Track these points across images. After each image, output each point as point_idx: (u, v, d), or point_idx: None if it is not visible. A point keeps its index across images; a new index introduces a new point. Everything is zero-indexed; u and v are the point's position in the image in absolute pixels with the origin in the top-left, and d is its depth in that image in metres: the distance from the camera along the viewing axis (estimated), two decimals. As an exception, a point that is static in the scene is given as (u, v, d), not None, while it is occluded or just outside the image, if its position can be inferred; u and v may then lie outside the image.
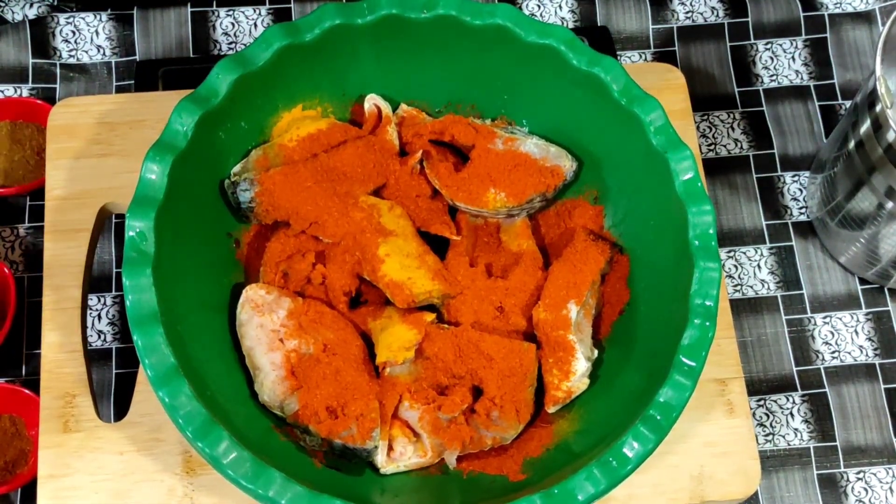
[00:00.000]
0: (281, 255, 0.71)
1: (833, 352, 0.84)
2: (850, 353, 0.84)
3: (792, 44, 0.94)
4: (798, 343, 0.84)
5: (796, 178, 0.89)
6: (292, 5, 0.94)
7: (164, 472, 0.68)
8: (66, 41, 0.91)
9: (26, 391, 0.78)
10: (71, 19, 0.92)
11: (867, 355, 0.84)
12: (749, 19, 0.94)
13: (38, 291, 0.83)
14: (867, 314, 0.85)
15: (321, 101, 0.74)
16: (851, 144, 0.76)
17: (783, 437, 0.81)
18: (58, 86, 0.90)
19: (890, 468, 0.80)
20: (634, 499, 0.68)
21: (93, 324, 0.83)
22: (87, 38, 0.92)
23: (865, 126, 0.73)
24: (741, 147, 0.90)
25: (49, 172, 0.75)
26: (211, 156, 0.70)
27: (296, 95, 0.73)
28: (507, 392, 0.67)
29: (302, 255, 0.70)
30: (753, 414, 0.81)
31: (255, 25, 0.93)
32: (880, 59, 0.69)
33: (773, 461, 0.81)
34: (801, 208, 0.88)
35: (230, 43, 0.92)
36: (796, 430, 0.82)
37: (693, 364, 0.61)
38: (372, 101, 0.74)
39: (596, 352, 0.70)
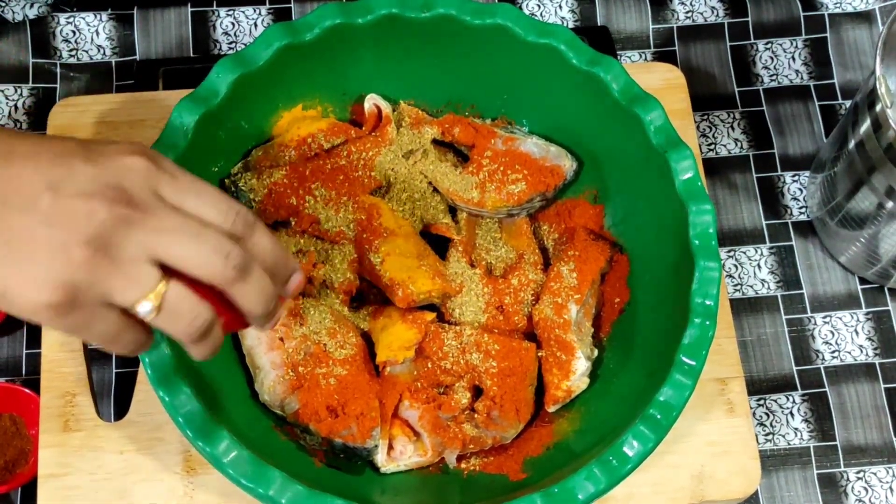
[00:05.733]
0: (281, 254, 0.71)
1: (833, 351, 0.84)
2: (850, 352, 0.84)
3: (792, 44, 0.94)
4: (798, 342, 0.84)
5: (796, 178, 0.89)
6: (292, 5, 0.94)
7: (164, 471, 0.68)
8: (67, 41, 0.91)
9: (26, 390, 0.78)
10: (71, 19, 0.92)
11: (867, 355, 0.84)
12: (749, 19, 0.94)
13: (38, 291, 0.83)
14: (867, 314, 0.85)
15: (321, 101, 0.74)
16: (851, 144, 0.76)
17: (783, 436, 0.81)
18: (58, 85, 0.90)
19: (890, 468, 0.80)
20: (634, 498, 0.68)
21: (93, 323, 0.83)
22: (87, 37, 0.92)
23: (865, 126, 0.73)
24: (741, 147, 0.90)
25: (49, 172, 0.75)
26: (211, 155, 0.70)
27: (296, 95, 0.73)
28: (508, 391, 0.67)
29: (302, 254, 0.70)
30: (753, 413, 0.81)
31: (256, 25, 0.93)
32: (880, 58, 0.69)
33: (773, 461, 0.81)
34: (801, 208, 0.88)
35: (230, 43, 0.92)
36: (796, 429, 0.82)
37: (693, 363, 0.61)
38: (372, 101, 0.74)
39: (596, 351, 0.70)
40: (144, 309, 0.46)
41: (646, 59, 0.93)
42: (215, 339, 0.50)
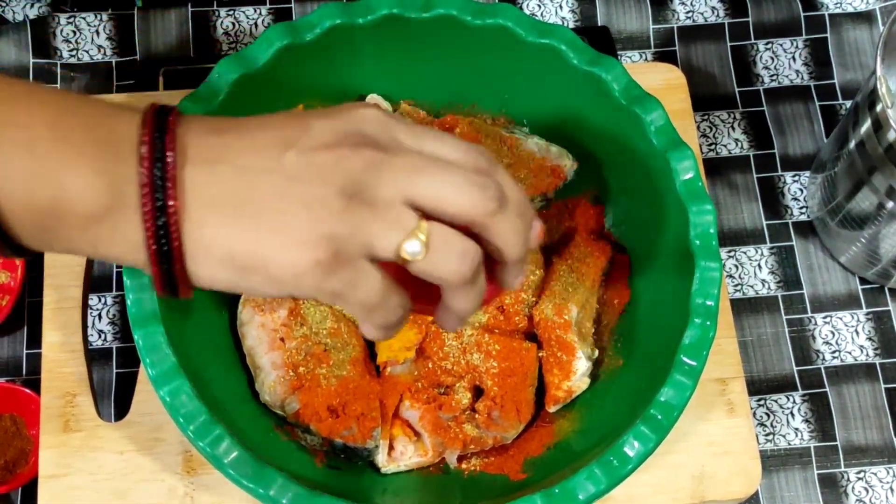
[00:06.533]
0: (281, 254, 0.71)
1: (833, 351, 0.84)
2: (850, 352, 0.84)
3: (792, 44, 0.94)
4: (798, 343, 0.84)
5: (797, 178, 0.89)
6: (293, 5, 0.94)
7: (164, 471, 0.68)
8: (67, 41, 0.91)
9: (27, 391, 0.78)
10: (72, 19, 0.92)
11: (867, 355, 0.84)
12: (749, 19, 0.94)
13: (38, 291, 0.83)
14: (867, 314, 0.85)
15: (322, 101, 0.74)
16: (852, 144, 0.76)
17: (783, 436, 0.81)
18: (58, 85, 0.90)
19: (890, 468, 0.80)
20: (634, 498, 0.68)
21: (93, 323, 0.83)
22: (87, 37, 0.92)
23: (866, 126, 0.73)
24: (741, 147, 0.90)
25: (50, 172, 0.75)
26: (212, 155, 0.70)
27: (296, 95, 0.73)
28: (508, 391, 0.67)
29: (302, 254, 0.70)
30: (754, 413, 0.81)
31: (256, 25, 0.93)
32: (880, 59, 0.69)
33: (773, 461, 0.81)
34: (801, 208, 0.88)
35: (231, 43, 0.92)
36: (797, 429, 0.82)
37: (694, 364, 0.61)
38: (373, 101, 0.74)
39: (596, 351, 0.70)
40: (413, 248, 0.43)
41: (646, 59, 0.93)
42: (482, 285, 0.46)
